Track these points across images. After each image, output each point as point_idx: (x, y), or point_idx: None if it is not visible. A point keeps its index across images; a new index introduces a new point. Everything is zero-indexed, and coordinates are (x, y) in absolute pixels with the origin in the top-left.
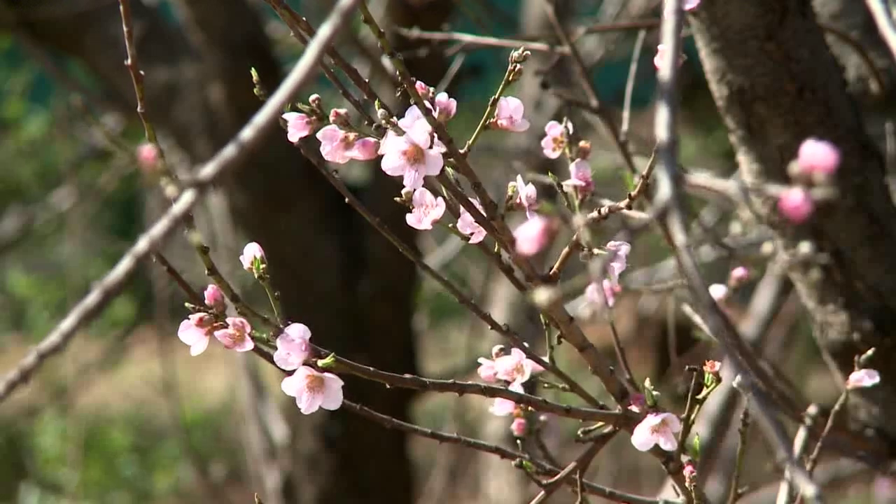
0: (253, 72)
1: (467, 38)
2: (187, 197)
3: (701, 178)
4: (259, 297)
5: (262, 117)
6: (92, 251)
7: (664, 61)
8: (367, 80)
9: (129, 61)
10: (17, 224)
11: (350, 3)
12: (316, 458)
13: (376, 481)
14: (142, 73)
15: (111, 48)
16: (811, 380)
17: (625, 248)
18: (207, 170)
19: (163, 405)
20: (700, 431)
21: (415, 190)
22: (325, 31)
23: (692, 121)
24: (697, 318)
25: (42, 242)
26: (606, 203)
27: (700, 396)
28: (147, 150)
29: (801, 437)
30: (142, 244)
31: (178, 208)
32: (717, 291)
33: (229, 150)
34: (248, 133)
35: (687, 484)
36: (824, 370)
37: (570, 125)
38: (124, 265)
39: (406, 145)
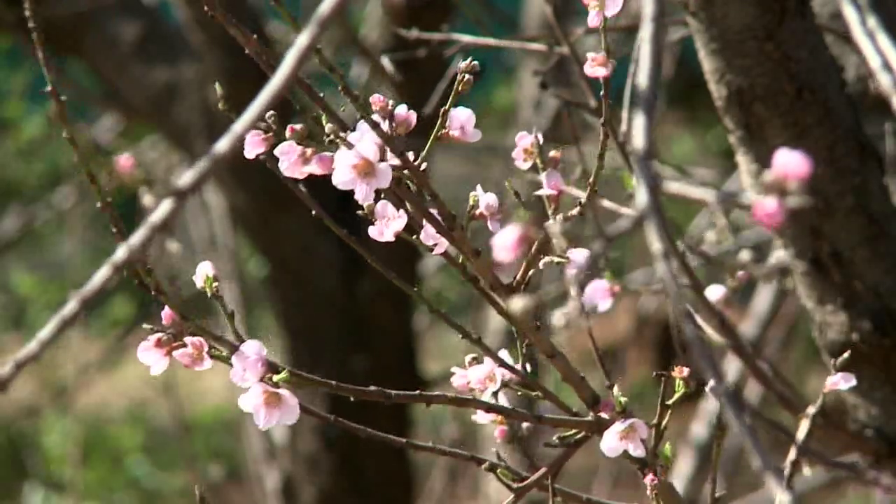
0: (217, 86)
1: (466, 38)
2: (166, 206)
3: (678, 185)
4: (260, 300)
5: (239, 126)
6: (92, 250)
7: (642, 67)
8: (322, 96)
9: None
10: (18, 224)
11: (328, 13)
12: (316, 458)
13: (376, 481)
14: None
15: (111, 48)
16: (810, 380)
17: (584, 255)
18: (185, 179)
19: (163, 405)
20: (700, 431)
21: (377, 202)
22: (302, 39)
23: (691, 120)
24: (697, 319)
25: (42, 242)
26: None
27: (670, 402)
28: (125, 158)
29: (792, 451)
30: (120, 253)
31: (156, 217)
32: (717, 292)
33: (205, 161)
34: (225, 142)
35: (648, 492)
36: (824, 370)
37: (540, 136)
38: (102, 274)
39: (355, 159)
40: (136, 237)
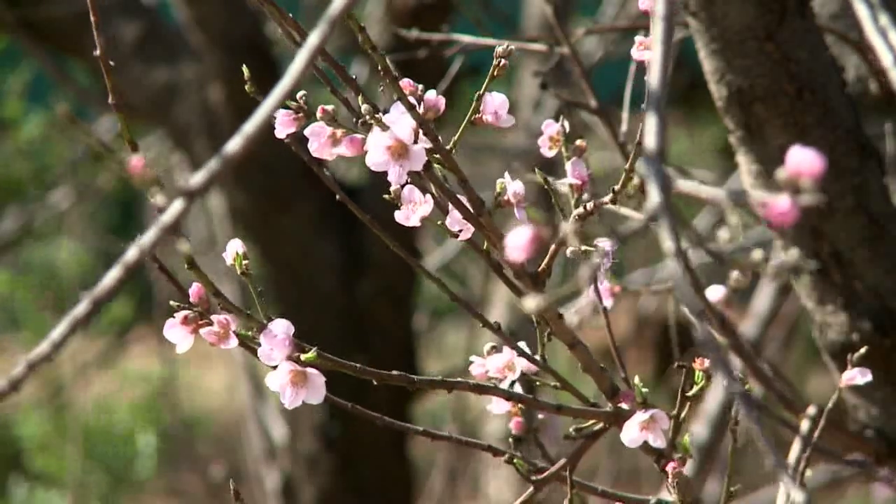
0: (245, 69)
1: (466, 38)
2: (176, 206)
3: (690, 184)
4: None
5: (251, 125)
6: (91, 250)
7: (653, 68)
8: (354, 77)
9: (97, 51)
10: (16, 224)
11: (338, 11)
12: (316, 458)
13: (376, 481)
14: (112, 63)
15: (111, 48)
16: (811, 380)
17: (610, 245)
18: (196, 179)
19: (164, 404)
20: (700, 431)
21: (404, 187)
22: (314, 38)
23: (689, 120)
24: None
25: (41, 241)
26: (593, 199)
27: (690, 394)
28: (136, 159)
29: (797, 443)
30: (132, 253)
31: (167, 217)
32: (717, 292)
33: (217, 161)
34: (236, 142)
35: (670, 480)
36: (824, 370)
37: (566, 123)
38: (114, 274)
39: (390, 140)
40: (147, 237)
